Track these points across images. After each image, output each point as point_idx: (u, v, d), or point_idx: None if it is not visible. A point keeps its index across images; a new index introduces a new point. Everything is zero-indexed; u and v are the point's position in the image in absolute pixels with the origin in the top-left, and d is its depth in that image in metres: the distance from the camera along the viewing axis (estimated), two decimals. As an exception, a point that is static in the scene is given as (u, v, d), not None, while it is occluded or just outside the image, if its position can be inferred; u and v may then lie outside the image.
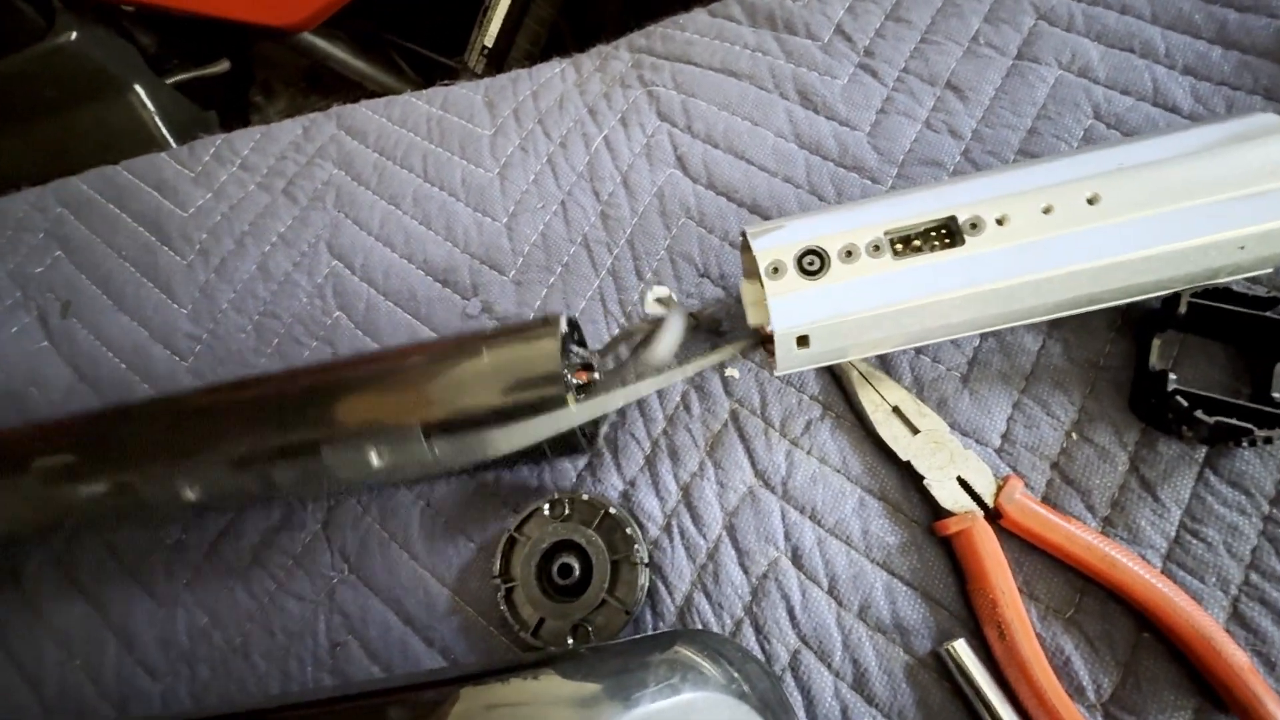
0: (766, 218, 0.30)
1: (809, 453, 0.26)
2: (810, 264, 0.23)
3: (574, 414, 0.23)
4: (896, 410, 0.26)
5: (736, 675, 0.20)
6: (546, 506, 0.26)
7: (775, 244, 0.24)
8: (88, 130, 0.63)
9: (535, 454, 0.26)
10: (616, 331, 0.29)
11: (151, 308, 0.36)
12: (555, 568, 0.25)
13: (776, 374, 0.26)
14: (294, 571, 0.29)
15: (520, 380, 0.24)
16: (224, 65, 0.71)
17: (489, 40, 0.67)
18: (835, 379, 0.27)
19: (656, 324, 0.25)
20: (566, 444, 0.25)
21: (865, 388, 0.27)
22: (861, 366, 0.27)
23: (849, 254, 0.23)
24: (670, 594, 0.26)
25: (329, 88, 0.79)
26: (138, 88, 0.63)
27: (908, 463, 0.25)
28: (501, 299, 0.32)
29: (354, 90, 0.75)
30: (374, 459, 0.25)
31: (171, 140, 0.64)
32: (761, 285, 0.23)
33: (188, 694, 0.28)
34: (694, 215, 0.31)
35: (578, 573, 0.25)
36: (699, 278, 0.30)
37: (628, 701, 0.19)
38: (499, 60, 0.68)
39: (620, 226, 0.32)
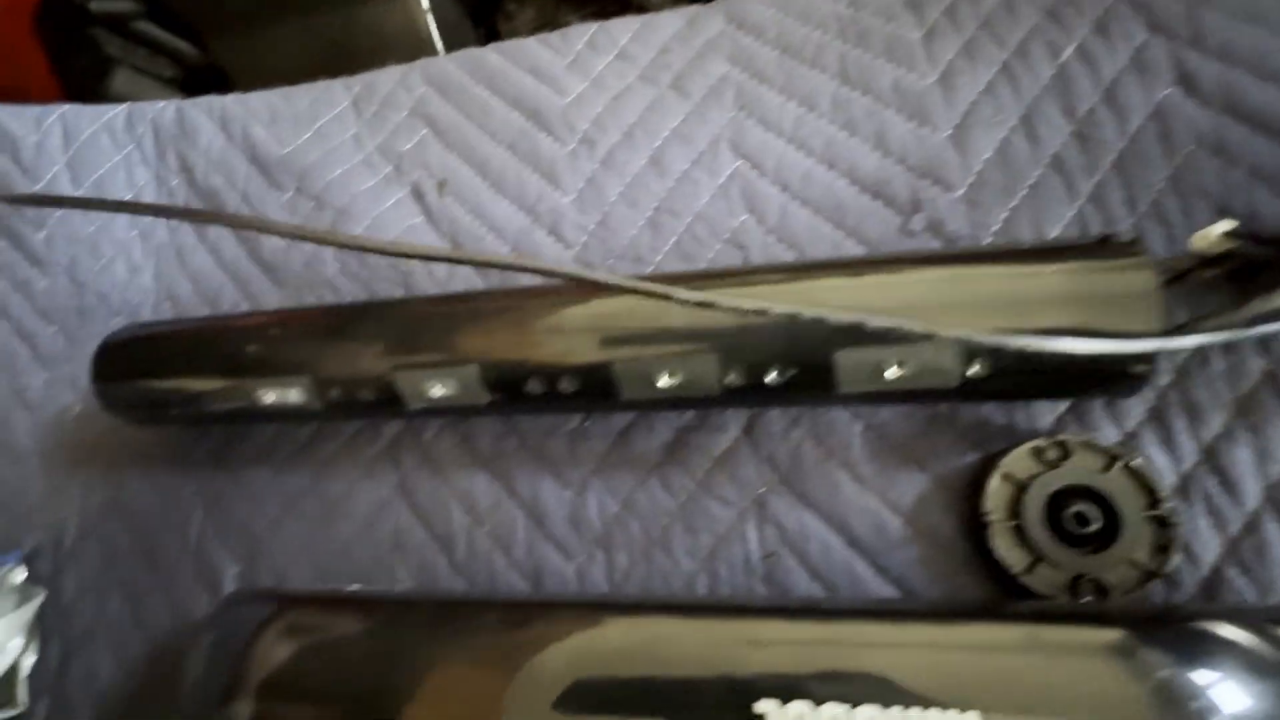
0: (1311, 153, 0.26)
1: (1383, 430, 0.23)
2: None
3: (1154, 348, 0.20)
4: None
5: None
6: (1042, 445, 0.24)
7: None
8: (366, 28, 0.64)
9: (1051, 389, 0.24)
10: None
11: (533, 193, 0.35)
12: (1067, 514, 0.23)
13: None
14: (715, 474, 0.28)
15: (1103, 303, 0.21)
16: (483, -29, 0.71)
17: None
18: None
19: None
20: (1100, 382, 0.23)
21: None
22: None
23: None
24: (1196, 566, 0.23)
25: (580, 3, 0.78)
26: (417, -15, 0.63)
27: None
28: (951, 218, 0.29)
29: (606, 3, 0.73)
30: (891, 369, 0.23)
31: (440, 46, 0.65)
32: None
33: (605, 578, 0.28)
34: (1207, 144, 0.27)
35: (1097, 524, 0.23)
36: (1216, 215, 0.26)
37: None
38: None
39: (1103, 150, 0.28)
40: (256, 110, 0.43)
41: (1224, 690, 0.17)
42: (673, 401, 0.26)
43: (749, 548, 0.27)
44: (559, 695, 0.19)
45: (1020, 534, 0.23)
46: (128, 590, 0.35)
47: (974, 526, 0.24)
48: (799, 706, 0.17)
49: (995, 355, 0.22)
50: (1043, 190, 0.28)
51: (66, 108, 0.44)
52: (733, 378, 0.24)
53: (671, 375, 0.25)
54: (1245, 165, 0.26)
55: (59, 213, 0.43)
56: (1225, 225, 0.22)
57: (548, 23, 0.76)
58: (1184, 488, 0.24)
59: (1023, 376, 0.23)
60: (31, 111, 0.44)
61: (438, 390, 0.27)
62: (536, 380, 0.26)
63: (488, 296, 0.29)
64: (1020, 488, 0.24)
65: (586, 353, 0.25)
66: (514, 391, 0.27)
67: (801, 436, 0.28)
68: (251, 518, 0.34)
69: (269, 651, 0.24)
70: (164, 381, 0.32)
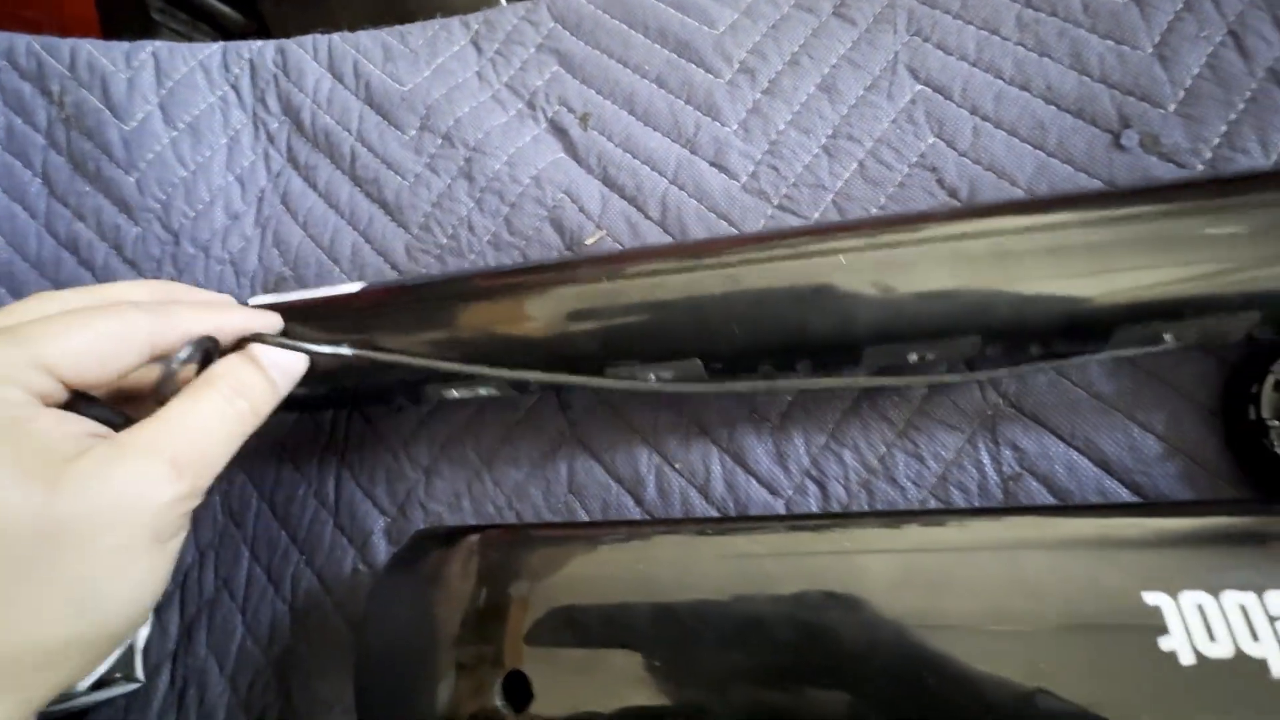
0: None
1: None
2: None
3: None
4: None
5: None
6: (1313, 352, 0.23)
7: None
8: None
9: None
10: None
11: (690, 125, 0.34)
12: (1362, 417, 0.22)
13: None
14: (933, 399, 0.27)
15: None
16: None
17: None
18: None
19: None
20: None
21: None
22: None
23: None
24: None
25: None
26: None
27: None
28: (1168, 132, 0.28)
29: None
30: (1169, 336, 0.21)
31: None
32: None
33: (818, 507, 0.26)
34: None
35: (1395, 426, 0.22)
36: None
37: None
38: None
39: (1322, 61, 0.27)
40: (368, 49, 0.40)
41: None
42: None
43: (985, 473, 0.25)
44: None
45: (1305, 438, 0.22)
46: (257, 552, 0.32)
47: (1245, 437, 0.23)
48: (1197, 597, 0.16)
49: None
50: (1263, 100, 0.27)
51: (159, 44, 0.41)
52: (990, 350, 0.23)
53: (921, 357, 0.23)
54: None
55: (150, 154, 0.40)
56: None
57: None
58: None
59: None
60: (121, 47, 0.41)
61: (651, 378, 0.24)
62: (770, 365, 0.24)
63: (699, 266, 0.24)
64: (1294, 389, 0.23)
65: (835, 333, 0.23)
66: (741, 371, 0.24)
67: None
68: (398, 469, 0.31)
69: (493, 577, 0.22)
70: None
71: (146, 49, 0.41)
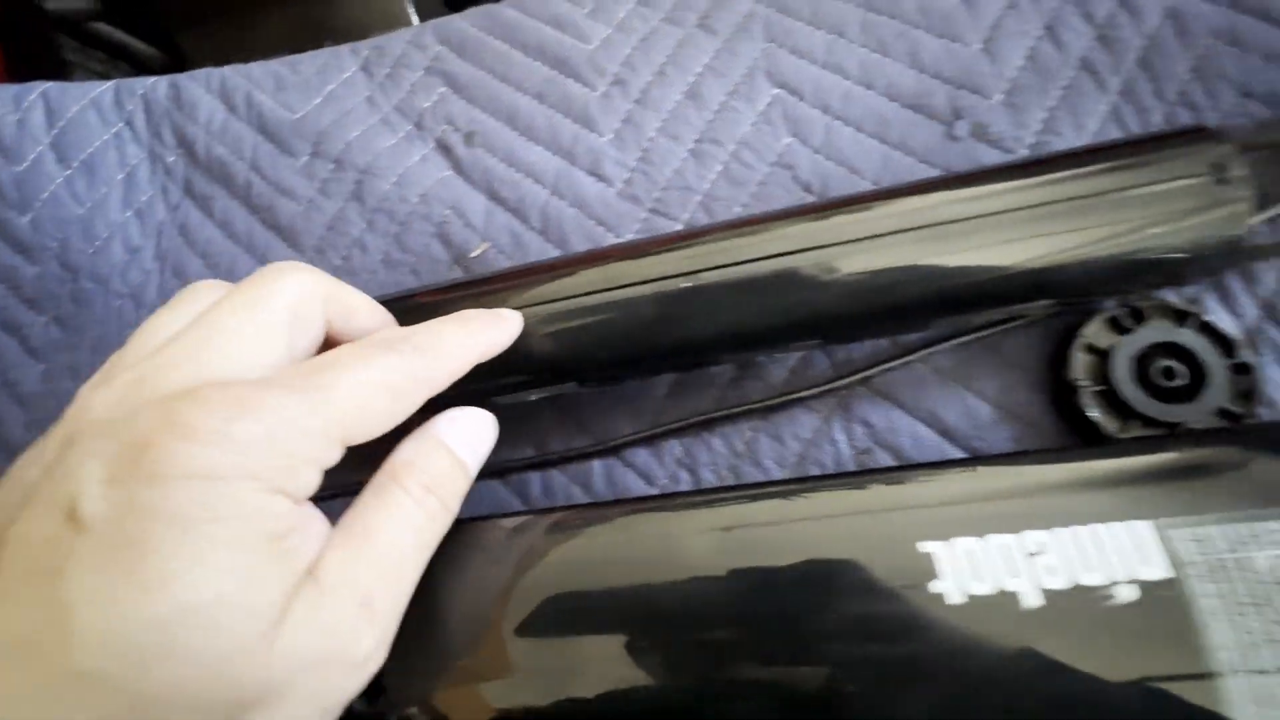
0: (1313, 37, 0.28)
1: None
2: None
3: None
4: None
5: None
6: (1119, 314, 0.25)
7: None
8: (343, 13, 0.63)
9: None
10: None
11: (567, 136, 0.35)
12: (1154, 370, 0.24)
13: None
14: (794, 383, 0.28)
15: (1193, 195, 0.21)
16: (457, -38, 0.71)
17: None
18: None
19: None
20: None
21: None
22: None
23: None
24: (1272, 408, 0.24)
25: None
26: (396, -28, 0.63)
27: None
28: (995, 121, 0.30)
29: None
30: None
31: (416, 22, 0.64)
32: None
33: (690, 485, 0.28)
34: (1222, 35, 0.29)
35: (1183, 378, 0.24)
36: (1241, 98, 0.28)
37: None
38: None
39: (1125, 49, 0.30)
40: (259, 79, 0.41)
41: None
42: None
43: (839, 448, 0.27)
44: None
45: (1110, 397, 0.24)
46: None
47: (1062, 398, 0.25)
48: (966, 543, 0.17)
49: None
50: (1076, 89, 0.30)
51: (48, 85, 0.41)
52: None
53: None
54: (1260, 52, 0.28)
55: (44, 194, 0.40)
56: None
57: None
58: (1251, 342, 0.25)
59: (1112, 289, 0.23)
60: (9, 90, 0.41)
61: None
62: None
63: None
64: (1103, 354, 0.24)
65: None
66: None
67: (876, 341, 0.28)
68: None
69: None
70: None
71: (36, 90, 0.41)
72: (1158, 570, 0.16)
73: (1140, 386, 0.24)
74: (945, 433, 0.26)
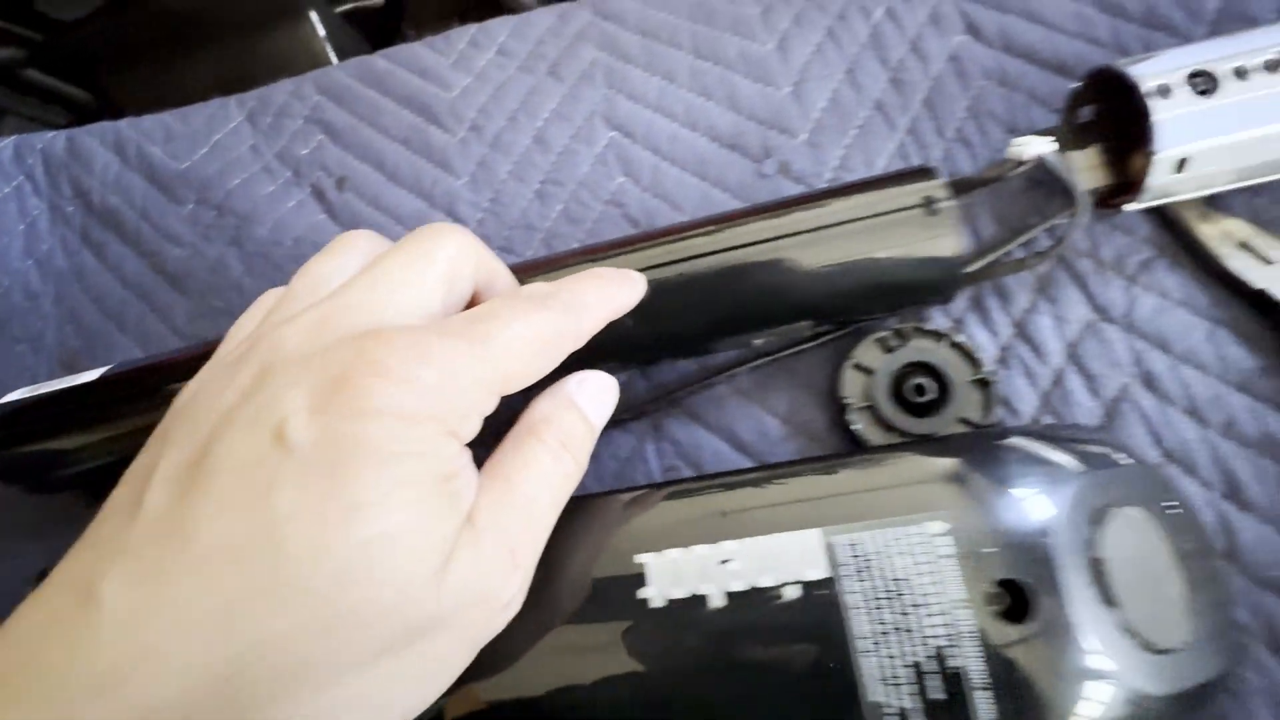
0: (1072, 78, 0.31)
1: (1147, 289, 0.27)
2: (1201, 84, 0.24)
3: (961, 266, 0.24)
4: (1244, 244, 0.27)
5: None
6: (884, 335, 0.28)
7: (1158, 69, 0.24)
8: (267, 53, 0.66)
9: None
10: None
11: (429, 180, 0.38)
12: (907, 387, 0.27)
13: (1134, 207, 0.26)
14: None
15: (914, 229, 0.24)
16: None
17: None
18: (1165, 222, 0.28)
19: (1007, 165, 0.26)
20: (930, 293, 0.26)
21: (1204, 224, 0.27)
22: (1199, 205, 0.27)
23: (1241, 74, 0.24)
24: (1017, 417, 0.27)
25: (476, 18, 0.81)
26: (312, 15, 0.65)
27: (1260, 291, 0.26)
28: (797, 159, 0.33)
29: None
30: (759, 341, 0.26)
31: (339, 68, 0.66)
32: (1091, 149, 0.24)
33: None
34: (994, 77, 0.32)
35: (932, 393, 0.26)
36: (1006, 134, 0.31)
37: (1074, 467, 0.20)
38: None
39: (914, 90, 0.32)
40: (150, 131, 0.43)
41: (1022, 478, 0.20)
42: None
43: (650, 465, 0.29)
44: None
45: (874, 413, 0.27)
46: None
47: (838, 415, 0.28)
48: (673, 553, 0.20)
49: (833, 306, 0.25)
50: (869, 129, 0.32)
51: (-52, 144, 0.44)
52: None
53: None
54: (1024, 91, 0.31)
55: (-54, 248, 0.42)
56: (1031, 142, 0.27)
57: (447, 46, 0.79)
58: (1004, 357, 0.28)
59: (860, 310, 0.26)
60: (-90, 149, 0.44)
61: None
62: None
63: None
64: (869, 373, 0.27)
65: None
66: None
67: (688, 365, 0.30)
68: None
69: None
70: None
71: (-64, 149, 0.44)
72: (818, 571, 0.19)
73: (896, 402, 0.26)
74: (741, 448, 0.29)
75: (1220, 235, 0.27)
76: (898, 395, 0.27)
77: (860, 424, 0.27)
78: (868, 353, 0.27)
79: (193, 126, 0.43)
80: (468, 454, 0.17)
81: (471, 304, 0.20)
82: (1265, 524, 0.24)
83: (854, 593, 0.18)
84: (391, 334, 0.16)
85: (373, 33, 0.73)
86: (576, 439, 0.19)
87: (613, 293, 0.21)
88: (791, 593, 0.18)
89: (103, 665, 0.13)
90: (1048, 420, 0.26)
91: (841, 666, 0.18)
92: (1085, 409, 0.26)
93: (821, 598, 0.18)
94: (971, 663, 0.17)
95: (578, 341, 0.19)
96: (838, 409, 0.28)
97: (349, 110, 0.41)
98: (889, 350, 0.27)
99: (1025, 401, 0.27)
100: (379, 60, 0.42)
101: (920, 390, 0.26)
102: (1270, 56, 0.23)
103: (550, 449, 0.18)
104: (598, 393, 0.20)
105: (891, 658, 0.17)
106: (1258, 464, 0.24)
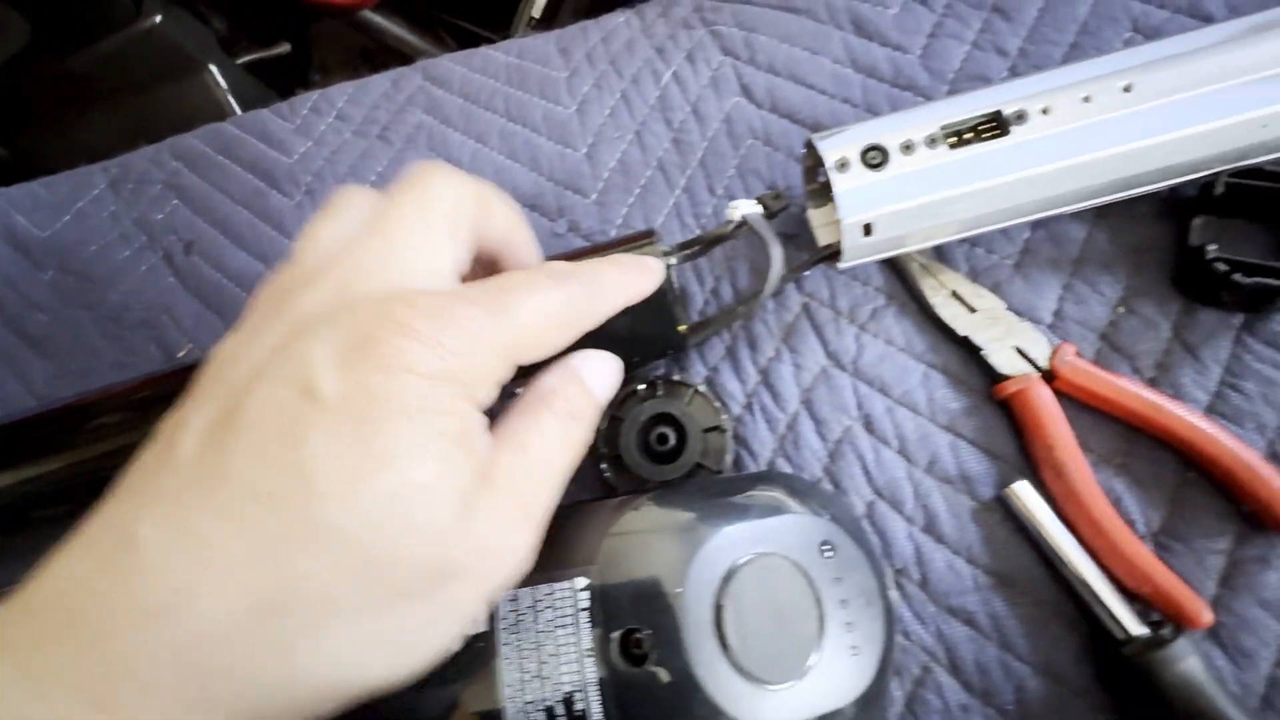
0: (828, 135, 0.33)
1: (875, 336, 0.29)
2: (873, 158, 0.26)
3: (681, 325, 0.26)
4: (954, 294, 0.29)
5: (823, 504, 0.24)
6: (640, 389, 0.30)
7: (840, 144, 0.27)
8: (168, 107, 0.68)
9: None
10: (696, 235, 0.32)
11: (267, 243, 0.40)
12: (653, 437, 0.29)
13: (841, 266, 0.29)
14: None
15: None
16: (285, 47, 0.76)
17: (536, 12, 0.71)
18: (896, 272, 0.30)
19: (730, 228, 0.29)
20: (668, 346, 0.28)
21: (925, 275, 0.29)
22: (920, 258, 0.30)
23: (907, 148, 0.26)
24: (755, 461, 0.29)
25: (381, 65, 0.83)
26: (212, 67, 0.68)
27: (966, 338, 0.28)
28: (586, 219, 0.35)
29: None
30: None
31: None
32: (827, 206, 0.26)
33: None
34: (760, 136, 0.34)
35: (673, 441, 0.29)
36: (767, 189, 0.33)
37: (724, 519, 0.22)
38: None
39: (692, 150, 0.35)
40: (17, 200, 0.46)
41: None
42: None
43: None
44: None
45: (621, 461, 0.29)
46: None
47: (597, 463, 0.30)
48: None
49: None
50: (651, 187, 0.35)
51: None
52: None
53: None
54: (785, 149, 0.34)
55: None
56: (744, 205, 0.29)
57: (355, 88, 0.81)
58: (749, 404, 0.30)
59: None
60: None
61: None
62: None
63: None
64: (620, 422, 0.29)
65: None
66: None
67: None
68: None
69: None
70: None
71: None
72: (481, 625, 0.21)
73: (641, 451, 0.29)
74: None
75: (935, 285, 0.29)
76: (645, 444, 0.29)
77: (610, 472, 0.29)
78: (624, 404, 0.30)
79: (58, 194, 0.45)
80: (484, 418, 0.17)
81: (494, 265, 0.21)
82: (954, 555, 0.26)
83: (507, 644, 0.20)
84: (416, 296, 0.17)
85: (277, 80, 0.76)
86: (583, 410, 0.20)
87: (631, 279, 0.22)
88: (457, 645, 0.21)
89: (143, 602, 0.14)
90: (780, 462, 0.29)
91: (492, 710, 0.20)
92: (813, 451, 0.28)
93: (481, 650, 0.20)
94: (593, 705, 0.19)
95: (594, 322, 0.20)
96: (598, 457, 0.30)
97: (201, 176, 0.44)
98: (642, 401, 0.30)
99: (765, 446, 0.29)
100: (230, 127, 0.45)
101: (663, 439, 0.29)
102: (930, 132, 0.25)
103: (559, 417, 0.19)
104: (601, 369, 0.21)
105: (530, 702, 0.20)
106: (953, 499, 0.27)
